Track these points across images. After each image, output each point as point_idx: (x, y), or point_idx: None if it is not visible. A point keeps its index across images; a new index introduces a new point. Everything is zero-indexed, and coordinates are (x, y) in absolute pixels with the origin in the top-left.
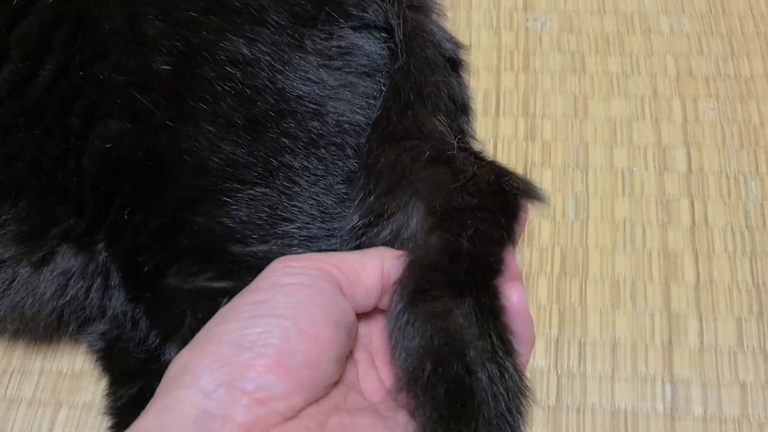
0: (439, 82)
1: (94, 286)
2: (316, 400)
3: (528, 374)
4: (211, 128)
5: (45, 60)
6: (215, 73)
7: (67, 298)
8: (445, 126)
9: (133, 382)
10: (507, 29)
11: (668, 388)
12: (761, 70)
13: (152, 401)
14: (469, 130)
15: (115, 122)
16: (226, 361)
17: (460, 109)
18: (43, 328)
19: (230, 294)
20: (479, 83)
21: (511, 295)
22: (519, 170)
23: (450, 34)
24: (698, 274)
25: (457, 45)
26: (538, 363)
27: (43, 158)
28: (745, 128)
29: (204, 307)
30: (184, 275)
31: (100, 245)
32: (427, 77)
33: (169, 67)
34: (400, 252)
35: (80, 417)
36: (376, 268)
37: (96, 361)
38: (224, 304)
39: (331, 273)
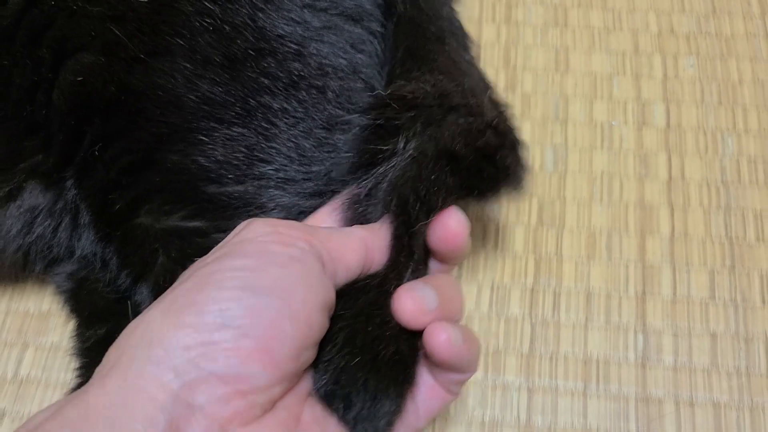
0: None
1: (63, 224)
2: (291, 388)
3: (502, 322)
4: (187, 65)
5: None
6: (193, 8)
7: (34, 237)
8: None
9: (102, 323)
10: None
11: (640, 337)
12: (741, 30)
13: (109, 365)
14: None
15: (88, 55)
16: (207, 339)
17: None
18: (9, 267)
19: (204, 233)
20: None
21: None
22: None
23: None
24: (673, 226)
25: None
26: (512, 311)
27: (11, 90)
28: (724, 86)
29: (177, 246)
30: (156, 214)
31: (69, 182)
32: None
33: (144, 1)
34: (382, 229)
35: (47, 358)
36: (359, 248)
37: (64, 302)
38: (200, 263)
39: (318, 249)
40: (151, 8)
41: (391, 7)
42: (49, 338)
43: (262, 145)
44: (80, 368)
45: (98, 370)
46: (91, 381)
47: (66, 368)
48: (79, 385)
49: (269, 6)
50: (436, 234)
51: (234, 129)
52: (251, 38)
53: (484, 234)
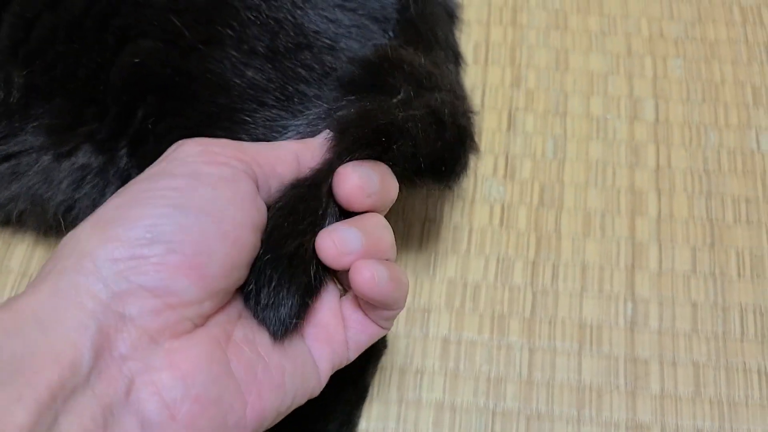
0: (444, 32)
1: (111, 188)
2: (223, 307)
3: (507, 290)
4: (235, 53)
5: None
6: (243, 4)
7: (82, 193)
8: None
9: None
10: None
11: (629, 305)
12: (724, 36)
13: (40, 277)
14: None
15: (148, 41)
16: (136, 253)
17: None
18: (51, 217)
19: None
20: (471, 35)
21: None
22: (504, 115)
23: None
24: (660, 209)
25: (457, 4)
26: (516, 281)
27: (79, 68)
28: (708, 85)
29: None
30: None
31: (123, 151)
32: (433, 28)
33: None
34: (315, 142)
35: None
36: (291, 161)
37: None
38: (132, 182)
39: (250, 165)
40: (206, 2)
41: (405, 11)
42: None
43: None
44: None
45: (30, 282)
46: (23, 291)
47: None
48: None
49: (307, 4)
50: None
51: (273, 111)
52: (291, 32)
53: (490, 212)
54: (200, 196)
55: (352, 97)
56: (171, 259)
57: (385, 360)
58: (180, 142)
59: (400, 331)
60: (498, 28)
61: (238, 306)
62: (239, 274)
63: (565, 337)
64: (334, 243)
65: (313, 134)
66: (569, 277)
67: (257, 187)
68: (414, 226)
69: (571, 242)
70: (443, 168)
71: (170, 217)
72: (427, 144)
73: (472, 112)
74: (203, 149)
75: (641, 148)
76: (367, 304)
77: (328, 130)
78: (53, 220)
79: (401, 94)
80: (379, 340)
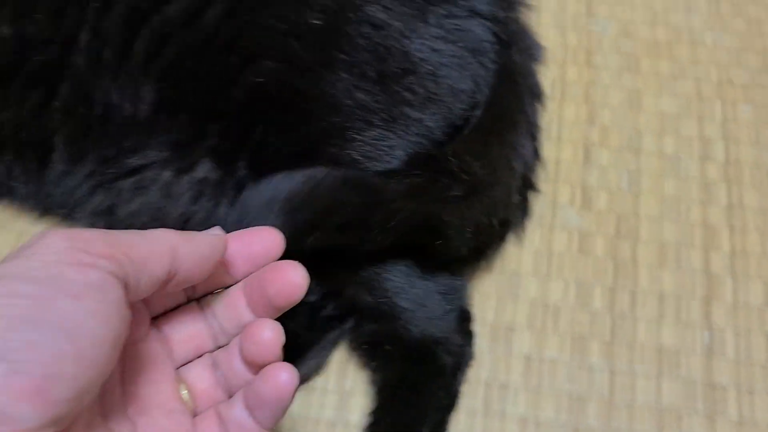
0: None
1: (226, 200)
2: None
3: (586, 314)
4: (347, 76)
5: (213, 2)
6: (356, 32)
7: (199, 206)
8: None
9: None
10: (572, 30)
11: (706, 333)
12: None
13: None
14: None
15: (270, 62)
16: None
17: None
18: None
19: None
20: (547, 73)
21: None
22: (579, 148)
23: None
24: (733, 245)
25: (541, 48)
26: (595, 305)
27: (204, 86)
28: None
29: None
30: None
31: (242, 163)
32: (514, 108)
33: (320, 22)
34: (202, 239)
35: None
36: (166, 256)
37: None
38: None
39: (120, 264)
40: (323, 29)
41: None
42: None
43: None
44: None
45: None
46: None
47: None
48: None
49: (413, 34)
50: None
51: (379, 131)
52: (399, 59)
53: (568, 239)
54: (58, 309)
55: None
56: (13, 381)
57: (471, 373)
58: (45, 232)
59: (484, 347)
60: (573, 67)
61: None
62: (91, 397)
63: (644, 361)
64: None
65: (413, 156)
66: (647, 304)
67: (126, 288)
68: (497, 249)
69: (648, 272)
70: (478, 255)
71: (18, 332)
72: (464, 242)
73: (533, 188)
74: (70, 246)
75: (713, 186)
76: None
77: (217, 227)
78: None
79: (453, 191)
80: (466, 353)
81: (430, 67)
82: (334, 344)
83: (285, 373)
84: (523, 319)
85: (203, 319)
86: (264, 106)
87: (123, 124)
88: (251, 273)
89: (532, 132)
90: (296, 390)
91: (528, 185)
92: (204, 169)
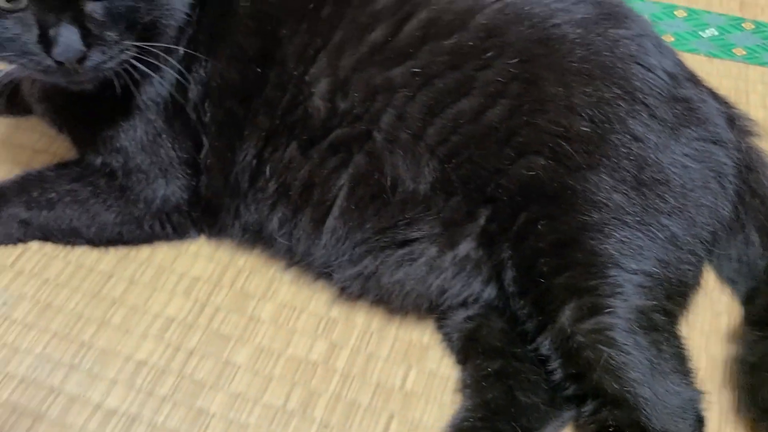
0: None
1: (482, 277)
2: None
3: None
4: (609, 179)
5: (499, 101)
6: (619, 141)
7: (456, 281)
8: None
9: (494, 360)
10: None
11: None
12: None
13: None
14: None
15: (541, 159)
16: None
17: None
18: (417, 298)
19: (597, 308)
20: None
21: None
22: None
23: None
24: None
25: None
26: None
27: (480, 172)
28: None
29: (578, 312)
30: (571, 280)
31: (506, 245)
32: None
33: (588, 129)
34: None
35: (426, 380)
36: None
37: (457, 338)
38: None
39: None
40: (590, 135)
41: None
42: (428, 365)
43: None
44: (469, 398)
45: None
46: None
47: (443, 390)
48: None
49: (667, 150)
50: None
51: (631, 232)
52: (654, 169)
53: None
54: None
55: None
56: None
57: None
58: None
59: None
60: None
61: None
62: None
63: None
64: None
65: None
66: None
67: None
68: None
69: None
70: None
71: None
72: None
73: None
74: None
75: None
76: None
77: None
78: (418, 302)
79: None
80: None
81: (679, 181)
82: (567, 423)
83: None
84: None
85: None
86: (531, 196)
87: (403, 199)
88: None
89: None
90: None
91: None
92: (467, 248)
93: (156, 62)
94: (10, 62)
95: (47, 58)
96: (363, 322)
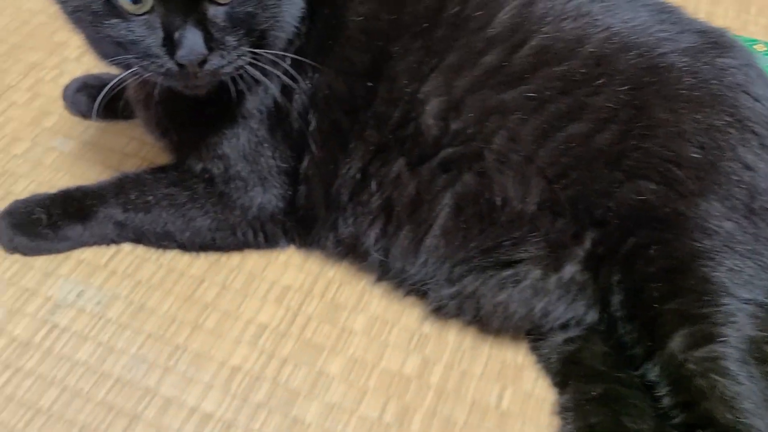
0: None
1: (586, 300)
2: None
3: None
4: (720, 206)
5: (609, 126)
6: (730, 168)
7: (560, 304)
8: None
9: (598, 384)
10: None
11: None
12: None
13: None
14: None
15: (651, 183)
16: None
17: None
18: (521, 320)
19: (710, 336)
20: None
21: None
22: None
23: None
24: None
25: None
26: None
27: (587, 194)
28: None
29: (690, 338)
30: (684, 306)
31: (614, 269)
32: None
33: (699, 156)
34: None
35: (522, 400)
36: None
37: (556, 361)
38: None
39: None
40: (701, 161)
41: None
42: (524, 385)
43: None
44: (572, 427)
45: None
46: None
47: (540, 411)
48: None
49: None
50: None
51: (741, 261)
52: (766, 197)
53: None
54: None
55: None
56: None
57: None
58: None
59: None
60: None
61: None
62: None
63: None
64: None
65: None
66: None
67: None
68: None
69: None
70: None
71: None
72: None
73: None
74: None
75: None
76: None
77: None
78: (521, 323)
79: None
80: None
81: None
82: None
83: None
84: None
85: None
86: (641, 221)
87: (510, 219)
88: None
89: None
90: None
91: None
92: (572, 270)
93: (266, 70)
94: (127, 66)
95: (170, 60)
96: (455, 339)
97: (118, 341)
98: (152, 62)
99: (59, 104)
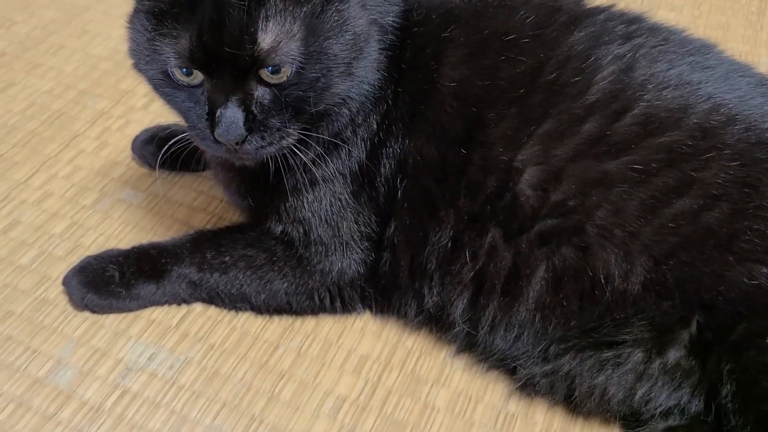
0: None
1: (691, 387)
2: None
3: None
4: None
5: (719, 204)
6: None
7: (663, 390)
8: None
9: None
10: None
11: None
12: None
13: None
14: None
15: (764, 268)
16: None
17: None
18: (619, 404)
19: None
20: None
21: None
22: None
23: None
24: None
25: None
26: None
27: (696, 276)
28: None
29: None
30: None
31: (724, 356)
32: None
33: None
34: None
35: None
36: None
37: None
38: None
39: None
40: None
41: None
42: None
43: None
44: None
45: None
46: None
47: None
48: None
49: None
50: None
51: None
52: None
53: None
54: None
55: None
56: None
57: None
58: None
59: None
60: None
61: None
62: None
63: None
64: None
65: None
66: None
67: None
68: None
69: None
70: None
71: None
72: None
73: None
74: None
75: None
76: None
77: None
78: (627, 412)
79: None
80: None
81: None
82: None
83: None
84: None
85: None
86: (753, 307)
87: (613, 298)
88: None
89: None
90: None
91: None
92: (677, 355)
93: (335, 141)
94: None
95: (210, 135)
96: (544, 420)
97: (192, 410)
98: (197, 133)
99: (127, 154)
